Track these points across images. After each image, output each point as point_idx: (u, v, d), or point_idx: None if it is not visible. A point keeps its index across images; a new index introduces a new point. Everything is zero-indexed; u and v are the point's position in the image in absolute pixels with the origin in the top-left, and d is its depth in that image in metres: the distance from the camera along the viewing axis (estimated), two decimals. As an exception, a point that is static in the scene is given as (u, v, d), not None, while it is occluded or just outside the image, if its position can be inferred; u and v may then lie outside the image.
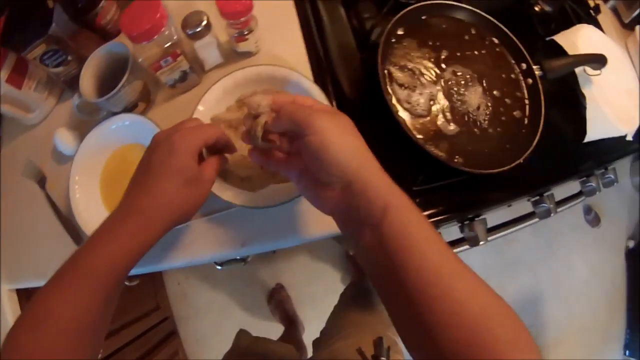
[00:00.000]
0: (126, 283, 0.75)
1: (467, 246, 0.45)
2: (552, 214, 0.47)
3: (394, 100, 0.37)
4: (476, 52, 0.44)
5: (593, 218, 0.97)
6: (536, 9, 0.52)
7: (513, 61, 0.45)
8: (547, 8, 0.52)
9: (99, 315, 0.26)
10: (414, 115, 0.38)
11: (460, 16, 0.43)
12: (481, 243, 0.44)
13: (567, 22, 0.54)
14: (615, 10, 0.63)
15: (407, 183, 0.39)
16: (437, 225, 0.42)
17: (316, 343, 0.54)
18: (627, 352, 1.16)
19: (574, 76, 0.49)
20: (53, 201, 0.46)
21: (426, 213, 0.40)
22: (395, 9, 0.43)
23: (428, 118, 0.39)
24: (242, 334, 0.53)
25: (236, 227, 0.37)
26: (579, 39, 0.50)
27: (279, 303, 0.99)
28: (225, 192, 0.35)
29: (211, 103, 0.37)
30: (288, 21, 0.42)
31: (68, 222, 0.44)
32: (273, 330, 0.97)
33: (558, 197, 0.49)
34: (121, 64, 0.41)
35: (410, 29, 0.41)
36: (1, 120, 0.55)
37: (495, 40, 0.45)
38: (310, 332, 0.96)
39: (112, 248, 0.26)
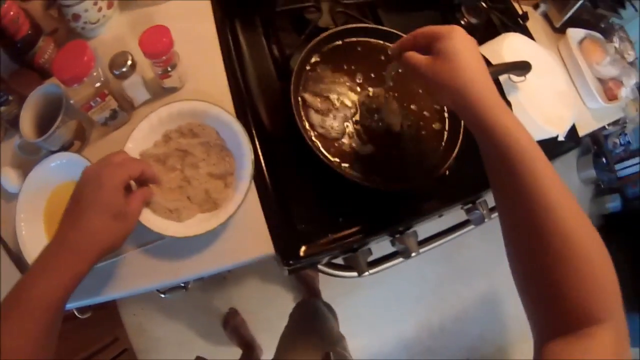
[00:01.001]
0: (78, 316, 0.76)
1: (401, 259, 0.47)
2: (486, 220, 0.49)
3: (307, 125, 0.39)
4: (394, 73, 0.46)
5: None
6: (462, 22, 0.54)
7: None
8: (473, 20, 0.54)
9: (39, 347, 0.27)
10: (329, 139, 0.40)
11: (375, 38, 0.45)
12: (413, 255, 0.46)
13: (494, 33, 0.56)
14: (546, 16, 0.66)
15: (331, 205, 0.41)
16: (365, 241, 0.44)
17: None
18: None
19: (498, 84, 0.51)
20: (2, 239, 0.47)
21: (353, 230, 0.42)
22: (315, 35, 0.45)
23: (343, 140, 0.41)
24: (199, 359, 0.55)
25: (170, 257, 0.39)
26: (504, 48, 0.53)
27: (234, 328, 1.00)
28: (155, 224, 0.37)
29: (139, 140, 0.39)
30: (211, 56, 0.44)
31: (18, 260, 0.46)
32: (233, 354, 0.99)
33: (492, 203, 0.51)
34: (57, 104, 0.43)
35: (326, 54, 0.43)
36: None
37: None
38: (269, 355, 0.96)
39: (46, 281, 0.27)
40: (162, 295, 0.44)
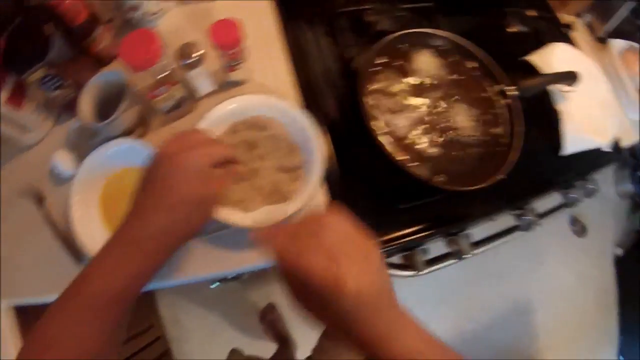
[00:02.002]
0: None
1: (452, 260, 0.47)
2: (534, 226, 0.50)
3: (375, 125, 0.39)
4: (455, 76, 0.46)
5: (579, 228, 0.99)
6: (510, 30, 0.55)
7: (490, 83, 0.48)
8: (521, 29, 0.55)
9: (105, 343, 0.25)
10: (396, 138, 0.40)
11: (438, 43, 0.46)
12: (465, 256, 0.46)
13: (541, 41, 0.57)
14: (589, 26, 0.67)
15: (394, 202, 0.41)
16: (422, 240, 0.44)
17: None
18: (621, 357, 1.19)
19: (547, 94, 0.52)
20: (52, 221, 0.47)
21: (412, 229, 0.42)
22: (376, 38, 0.45)
23: (410, 141, 0.41)
24: (234, 353, 0.54)
25: (230, 247, 0.39)
26: (553, 58, 0.53)
27: (271, 323, 0.99)
28: (221, 213, 0.37)
29: (206, 129, 0.39)
30: (274, 51, 0.44)
31: (68, 241, 0.46)
32: (266, 349, 0.95)
33: (541, 210, 0.51)
34: (118, 90, 0.43)
35: (391, 56, 0.43)
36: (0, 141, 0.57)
37: (473, 64, 0.47)
38: (303, 352, 0.96)
39: (119, 274, 0.25)
40: (212, 286, 0.44)
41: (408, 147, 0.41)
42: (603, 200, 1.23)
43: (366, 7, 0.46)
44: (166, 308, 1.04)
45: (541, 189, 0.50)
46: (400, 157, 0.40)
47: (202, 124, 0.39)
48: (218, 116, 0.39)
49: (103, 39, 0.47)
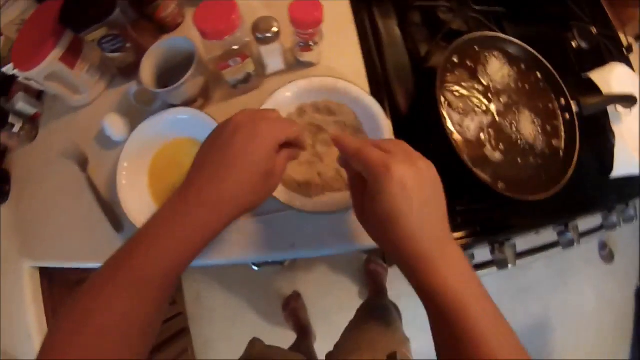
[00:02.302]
0: None
1: (495, 268, 0.47)
2: (574, 245, 0.50)
3: (449, 124, 0.39)
4: (520, 85, 0.46)
5: (607, 254, 1.00)
6: (573, 44, 0.55)
7: (553, 96, 0.47)
8: (583, 45, 0.55)
9: (148, 321, 0.24)
10: (464, 139, 0.40)
11: (510, 50, 0.45)
12: (509, 266, 0.46)
13: (600, 60, 0.57)
14: (649, 50, 0.67)
15: (451, 203, 0.41)
16: (472, 244, 0.44)
17: (329, 357, 0.54)
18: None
19: (605, 113, 0.52)
20: (94, 185, 0.46)
21: (465, 232, 0.42)
22: (448, 36, 0.45)
23: (476, 143, 0.41)
24: (255, 341, 0.53)
25: (286, 230, 0.38)
26: (613, 78, 0.53)
27: (294, 311, 0.98)
28: (283, 195, 0.36)
29: (273, 108, 0.38)
30: (347, 36, 0.44)
31: (109, 207, 0.44)
32: (285, 337, 0.97)
33: (581, 229, 0.51)
34: (182, 58, 0.42)
35: (464, 58, 0.42)
36: (43, 96, 0.55)
37: (539, 75, 0.47)
38: (321, 345, 0.97)
39: (170, 246, 0.24)
40: (256, 268, 0.43)
41: (474, 150, 0.40)
42: (634, 230, 1.24)
43: (441, 4, 0.45)
44: (189, 285, 1.03)
45: (587, 209, 0.49)
46: (467, 159, 0.39)
47: (269, 101, 0.38)
48: (287, 95, 0.39)
49: (168, 6, 0.46)
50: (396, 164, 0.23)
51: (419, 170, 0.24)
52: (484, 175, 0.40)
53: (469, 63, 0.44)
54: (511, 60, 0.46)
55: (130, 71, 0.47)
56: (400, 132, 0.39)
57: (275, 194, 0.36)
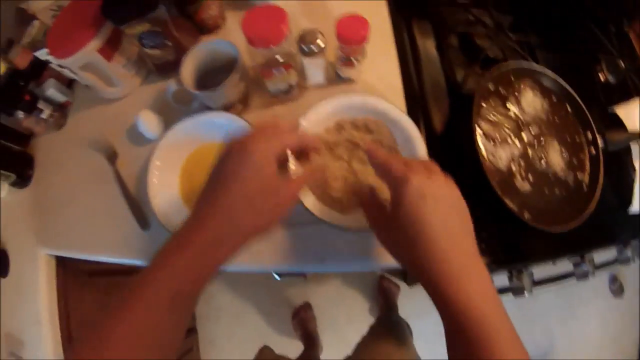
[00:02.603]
0: None
1: (510, 295, 0.48)
2: (589, 277, 0.50)
3: (483, 153, 0.40)
4: (550, 116, 0.47)
5: (617, 288, 1.00)
6: (601, 77, 0.56)
7: (581, 129, 0.48)
8: (611, 78, 0.56)
9: (167, 339, 0.24)
10: (496, 168, 0.41)
11: (544, 81, 0.46)
12: (526, 294, 0.47)
13: (627, 94, 0.57)
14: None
15: (477, 229, 0.41)
16: (493, 270, 0.44)
17: None
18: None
19: (628, 148, 0.53)
20: (122, 180, 0.46)
21: (487, 258, 0.42)
22: (485, 63, 0.45)
23: (507, 173, 0.41)
24: (265, 349, 0.54)
25: (317, 244, 0.38)
26: (637, 113, 0.54)
27: (303, 321, 0.98)
28: (316, 208, 0.36)
29: (312, 121, 0.38)
30: (387, 54, 0.44)
31: (136, 204, 0.44)
32: (291, 345, 0.97)
33: (596, 261, 0.52)
34: (224, 61, 0.42)
35: (499, 86, 0.43)
36: (74, 85, 0.55)
37: (569, 108, 0.48)
38: (326, 356, 0.96)
39: (174, 275, 0.23)
40: (278, 278, 0.43)
41: (504, 179, 0.41)
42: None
43: (479, 31, 0.46)
44: None
45: (604, 242, 0.50)
46: (497, 187, 0.40)
47: (309, 114, 0.39)
48: (327, 110, 0.39)
49: (210, 7, 0.47)
50: (414, 175, 0.24)
51: (437, 183, 0.24)
52: (512, 205, 0.41)
53: (502, 91, 0.45)
54: (543, 91, 0.47)
55: (166, 69, 0.47)
56: (433, 152, 0.40)
57: (309, 207, 0.36)
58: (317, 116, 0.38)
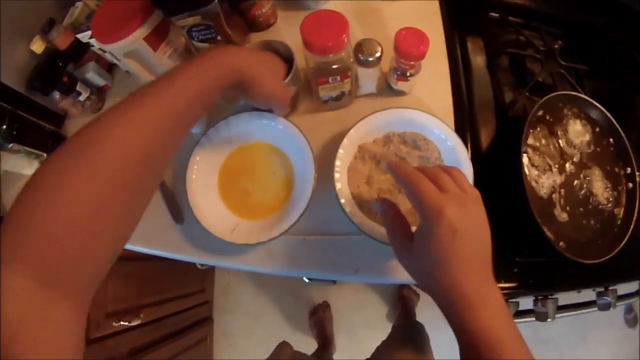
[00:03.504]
0: (198, 266, 0.75)
1: (533, 319, 0.48)
2: (611, 308, 0.51)
3: (528, 180, 0.39)
4: (593, 147, 0.46)
5: (632, 318, 1.00)
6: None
7: (621, 163, 0.48)
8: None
9: (161, 145, 0.25)
10: (537, 195, 0.41)
11: (591, 112, 0.46)
12: (549, 320, 0.47)
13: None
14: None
15: (512, 253, 0.42)
16: (521, 294, 0.45)
17: None
18: None
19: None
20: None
21: (517, 282, 0.43)
22: (534, 88, 0.45)
23: (547, 202, 0.41)
24: (285, 345, 0.54)
25: (352, 254, 0.38)
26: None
27: (320, 321, 0.99)
28: (358, 219, 0.36)
29: (362, 131, 0.38)
30: (439, 69, 0.44)
31: (171, 196, 0.44)
32: (305, 343, 0.98)
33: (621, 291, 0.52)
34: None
35: (547, 113, 0.43)
36: (114, 70, 0.54)
37: (611, 140, 0.48)
38: (341, 356, 0.97)
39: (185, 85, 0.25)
40: (307, 281, 0.44)
41: (543, 207, 0.41)
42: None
43: (531, 54, 0.46)
44: (221, 275, 1.04)
45: (631, 276, 0.51)
46: (536, 215, 0.40)
47: (360, 123, 0.38)
48: (378, 121, 0.39)
49: (264, 5, 0.46)
50: (448, 208, 0.24)
51: (469, 214, 0.25)
52: (549, 233, 0.41)
53: (549, 118, 0.45)
54: (588, 121, 0.47)
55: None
56: (477, 171, 0.40)
57: (352, 218, 0.36)
58: (367, 127, 0.38)
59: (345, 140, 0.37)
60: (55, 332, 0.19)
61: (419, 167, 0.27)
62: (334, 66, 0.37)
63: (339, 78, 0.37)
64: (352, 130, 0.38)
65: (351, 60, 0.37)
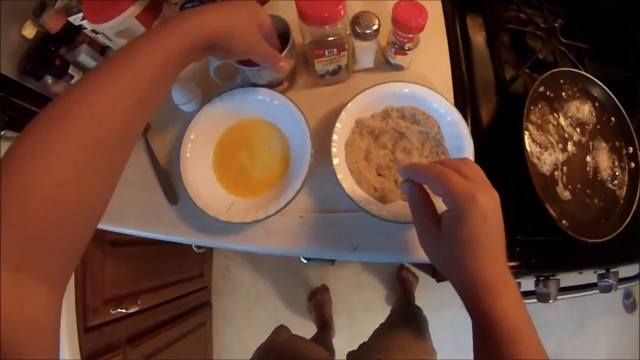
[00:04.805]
0: (194, 249, 0.74)
1: (534, 301, 0.47)
2: (612, 290, 0.50)
3: (529, 156, 0.39)
4: (595, 125, 0.46)
5: (630, 304, 1.00)
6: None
7: (623, 142, 0.47)
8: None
9: (136, 111, 0.24)
10: (539, 172, 0.40)
11: (593, 91, 0.45)
12: (550, 301, 0.46)
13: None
14: None
15: (514, 231, 0.41)
16: (522, 274, 0.44)
17: (353, 355, 0.54)
18: None
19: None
20: (153, 151, 0.44)
21: (519, 262, 0.42)
22: (535, 65, 0.44)
23: (549, 179, 0.41)
24: (282, 328, 0.53)
25: (352, 232, 0.37)
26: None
27: (319, 304, 0.99)
28: (357, 195, 0.35)
29: (360, 105, 0.37)
30: (437, 44, 0.43)
31: (165, 177, 0.43)
32: (304, 327, 0.97)
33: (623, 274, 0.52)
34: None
35: (548, 90, 0.42)
36: (107, 52, 0.53)
37: (613, 120, 0.47)
38: (338, 340, 0.97)
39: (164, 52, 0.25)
40: (305, 262, 0.43)
41: (546, 185, 0.40)
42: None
43: (532, 30, 0.45)
44: (219, 260, 1.03)
45: (633, 258, 0.50)
46: (539, 192, 0.39)
47: (359, 97, 0.38)
48: (376, 95, 0.38)
49: (260, -21, 0.45)
50: (480, 194, 0.24)
51: (496, 202, 0.26)
52: (552, 211, 0.40)
53: (550, 94, 0.44)
54: (591, 100, 0.46)
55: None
56: (478, 149, 0.39)
57: (350, 194, 0.35)
58: (365, 100, 0.37)
59: (342, 114, 0.36)
60: (29, 318, 0.18)
61: (436, 161, 0.28)
62: (330, 38, 0.36)
63: (335, 51, 0.36)
64: (349, 104, 0.37)
65: (347, 32, 0.36)
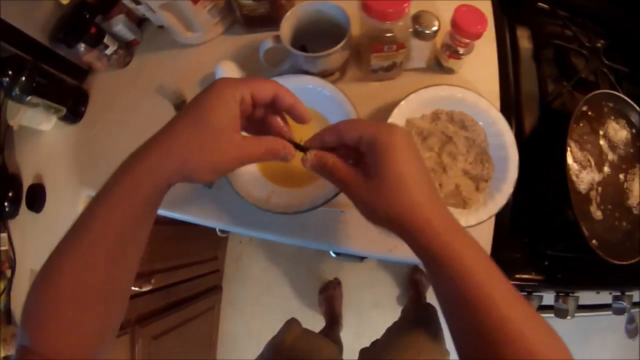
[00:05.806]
0: (218, 234, 0.73)
1: (552, 315, 0.48)
2: (625, 314, 0.51)
3: (570, 174, 0.39)
4: (631, 150, 0.46)
5: (632, 329, 1.01)
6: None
7: (653, 168, 0.48)
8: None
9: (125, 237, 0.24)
10: (576, 190, 0.40)
11: (631, 116, 0.46)
12: (568, 318, 0.47)
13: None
14: None
15: (544, 245, 0.42)
16: (546, 288, 0.44)
17: (366, 353, 0.54)
18: None
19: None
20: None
21: (546, 275, 0.42)
22: (578, 84, 0.45)
23: (585, 198, 0.41)
24: (293, 323, 0.53)
25: (389, 232, 0.37)
26: None
27: (329, 298, 0.97)
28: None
29: (412, 104, 0.37)
30: (487, 52, 0.43)
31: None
32: (313, 319, 0.96)
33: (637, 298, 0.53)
34: (327, 25, 0.39)
35: (590, 110, 0.43)
36: (144, 24, 0.52)
37: (645, 144, 0.48)
38: (345, 335, 0.95)
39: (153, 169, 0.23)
40: (334, 256, 0.42)
41: (580, 203, 0.41)
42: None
43: (576, 48, 0.45)
44: (234, 245, 1.02)
45: (648, 282, 0.51)
46: (575, 209, 0.39)
47: (411, 97, 0.37)
48: (428, 97, 0.37)
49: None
50: (394, 127, 0.24)
51: (409, 135, 0.26)
52: (585, 230, 0.40)
53: (591, 114, 0.44)
54: (629, 124, 0.47)
55: (254, 22, 0.45)
56: (520, 161, 0.39)
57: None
58: (418, 101, 0.37)
59: (395, 111, 0.36)
60: None
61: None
62: (388, 34, 0.35)
63: (394, 47, 0.36)
64: (403, 102, 0.37)
65: (410, 30, 0.36)
